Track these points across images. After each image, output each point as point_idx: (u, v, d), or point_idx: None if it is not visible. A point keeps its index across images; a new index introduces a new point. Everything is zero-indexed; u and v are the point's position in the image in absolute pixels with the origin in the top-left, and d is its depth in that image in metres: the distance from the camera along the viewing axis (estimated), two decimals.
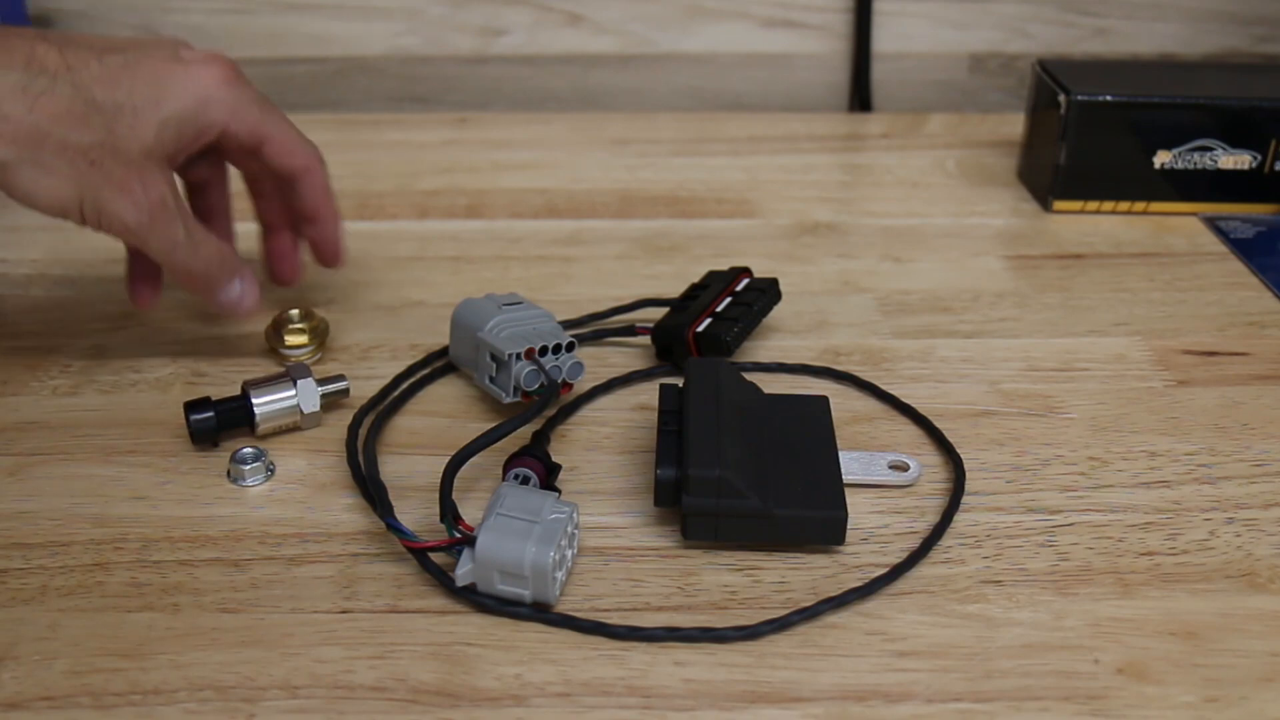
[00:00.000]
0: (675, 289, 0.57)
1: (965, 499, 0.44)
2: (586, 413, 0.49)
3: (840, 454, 0.44)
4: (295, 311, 0.53)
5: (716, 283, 0.55)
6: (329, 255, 0.54)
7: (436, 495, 0.41)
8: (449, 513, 0.40)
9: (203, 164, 0.52)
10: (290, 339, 0.52)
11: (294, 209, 0.53)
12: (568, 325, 0.53)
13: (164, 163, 0.47)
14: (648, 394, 0.51)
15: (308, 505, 0.44)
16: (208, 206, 0.53)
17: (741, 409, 0.44)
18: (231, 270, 0.49)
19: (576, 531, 0.41)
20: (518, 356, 0.47)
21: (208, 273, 0.48)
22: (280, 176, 0.51)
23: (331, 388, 0.48)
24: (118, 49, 0.46)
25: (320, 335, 0.53)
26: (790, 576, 0.40)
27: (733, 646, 0.38)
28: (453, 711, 0.35)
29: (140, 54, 0.46)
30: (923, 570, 0.41)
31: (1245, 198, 0.67)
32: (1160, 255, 0.63)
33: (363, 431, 0.47)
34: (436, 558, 0.40)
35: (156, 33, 0.82)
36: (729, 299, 0.53)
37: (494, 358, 0.47)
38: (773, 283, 0.55)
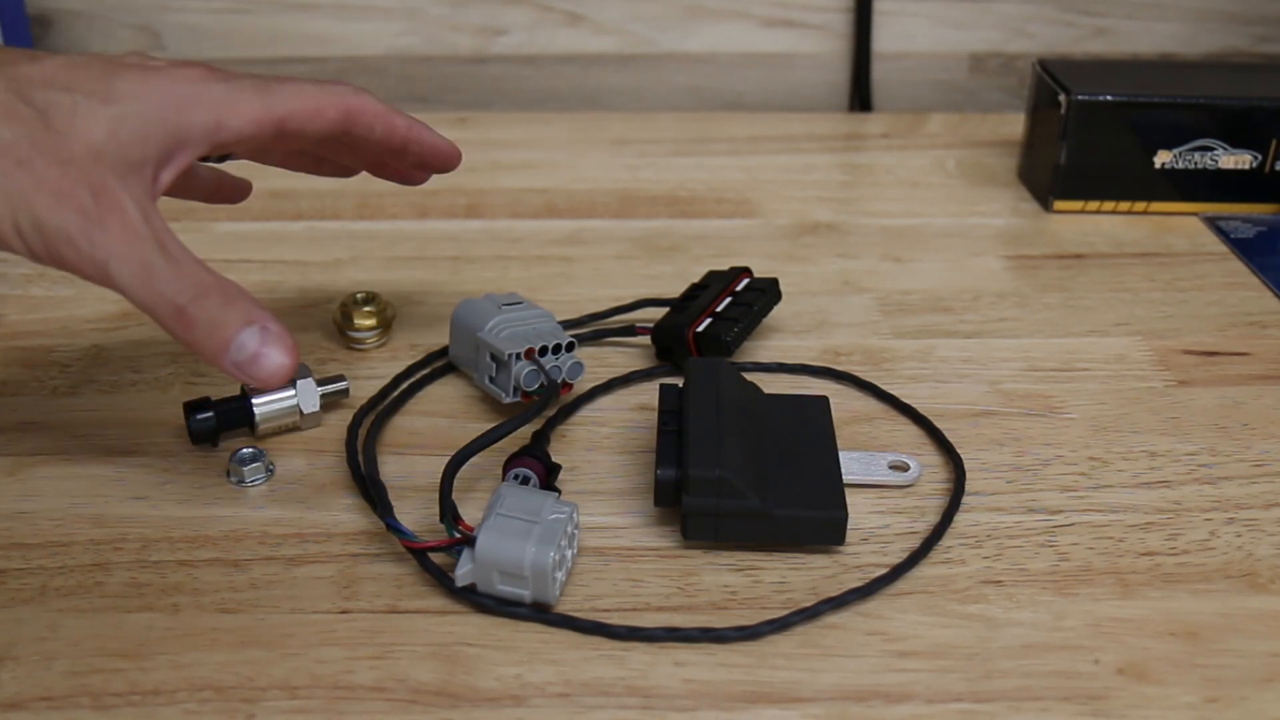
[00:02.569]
0: (675, 289, 0.57)
1: (965, 499, 0.44)
2: (586, 413, 0.49)
3: (840, 454, 0.43)
4: (361, 295, 0.53)
5: (716, 283, 0.55)
6: (443, 158, 0.46)
7: (436, 495, 0.41)
8: (449, 513, 0.40)
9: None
10: (360, 321, 0.52)
11: (376, 154, 0.44)
12: (568, 325, 0.53)
13: (127, 172, 0.36)
14: (648, 394, 0.50)
15: (308, 505, 0.44)
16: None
17: (741, 409, 0.44)
18: (242, 313, 0.37)
19: (576, 531, 0.40)
20: (518, 356, 0.46)
21: (203, 309, 0.36)
22: (328, 142, 0.43)
23: (331, 388, 0.48)
24: (61, 54, 0.38)
25: (387, 320, 0.53)
26: (790, 576, 0.40)
27: (733, 647, 0.38)
28: (452, 712, 0.35)
29: (91, 57, 0.38)
30: (923, 570, 0.41)
31: (1246, 198, 0.67)
32: (1161, 255, 0.63)
33: (362, 432, 0.47)
34: (436, 558, 0.40)
35: (158, 34, 0.82)
36: (729, 299, 0.53)
37: (494, 358, 0.47)
38: (773, 283, 0.54)
